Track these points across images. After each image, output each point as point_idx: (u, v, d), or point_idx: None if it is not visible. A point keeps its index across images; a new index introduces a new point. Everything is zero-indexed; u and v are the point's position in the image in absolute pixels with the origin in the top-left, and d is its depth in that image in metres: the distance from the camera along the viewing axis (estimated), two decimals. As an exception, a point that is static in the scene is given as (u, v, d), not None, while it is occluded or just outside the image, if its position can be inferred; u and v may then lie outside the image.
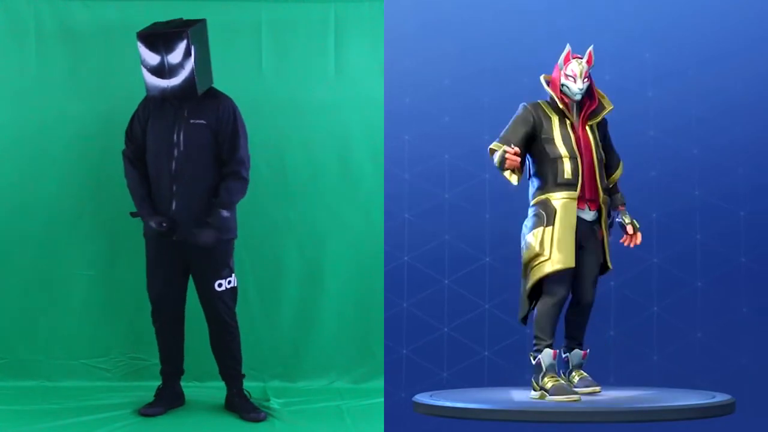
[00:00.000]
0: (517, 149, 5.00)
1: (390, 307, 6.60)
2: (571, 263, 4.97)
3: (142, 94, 5.94)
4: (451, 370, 6.58)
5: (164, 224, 5.83)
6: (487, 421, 4.88)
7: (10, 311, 6.47)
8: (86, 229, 6.47)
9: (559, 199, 5.04)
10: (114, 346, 6.55)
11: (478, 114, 6.76)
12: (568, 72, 5.11)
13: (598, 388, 5.14)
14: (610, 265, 5.17)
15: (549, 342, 5.03)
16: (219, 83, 5.97)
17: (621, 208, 5.27)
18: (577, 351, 5.21)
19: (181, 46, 5.80)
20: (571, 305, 5.17)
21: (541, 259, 5.01)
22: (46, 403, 6.16)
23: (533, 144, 5.11)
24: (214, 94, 5.96)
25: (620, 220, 5.24)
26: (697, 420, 4.86)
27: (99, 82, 6.42)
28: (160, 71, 5.81)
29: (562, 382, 5.03)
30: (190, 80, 5.82)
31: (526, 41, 6.70)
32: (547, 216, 5.03)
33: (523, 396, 5.17)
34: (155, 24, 5.93)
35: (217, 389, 6.23)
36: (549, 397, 4.95)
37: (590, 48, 5.16)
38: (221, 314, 5.99)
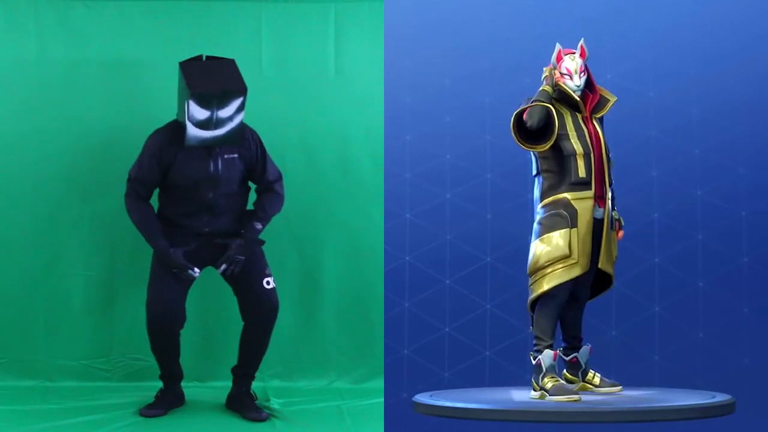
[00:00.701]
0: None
1: (391, 307, 6.60)
2: (588, 267, 4.98)
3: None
4: (452, 370, 6.57)
5: (187, 260, 5.84)
6: (487, 421, 4.88)
7: (10, 311, 6.45)
8: (86, 229, 6.46)
9: (578, 199, 5.00)
10: (114, 347, 6.53)
11: (479, 114, 6.77)
12: (563, 70, 5.08)
13: (619, 387, 5.15)
14: (611, 270, 5.15)
15: (549, 342, 5.03)
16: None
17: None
18: (585, 348, 5.20)
19: (236, 103, 5.71)
20: (567, 303, 5.11)
21: (570, 261, 4.97)
22: (46, 403, 6.15)
23: (541, 137, 5.03)
24: None
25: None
26: (697, 420, 4.86)
27: (99, 83, 6.41)
28: (207, 125, 5.72)
29: (563, 382, 5.03)
30: (235, 132, 5.75)
31: (526, 41, 6.69)
32: (570, 217, 4.98)
33: (523, 396, 5.16)
34: (196, 61, 5.79)
35: (218, 389, 6.23)
36: (549, 397, 4.95)
37: (581, 41, 5.12)
38: (271, 313, 5.98)
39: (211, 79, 5.73)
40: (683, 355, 6.46)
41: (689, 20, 6.72)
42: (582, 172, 4.99)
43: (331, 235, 6.60)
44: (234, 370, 6.12)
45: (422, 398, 5.11)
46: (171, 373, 6.10)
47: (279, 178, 6.03)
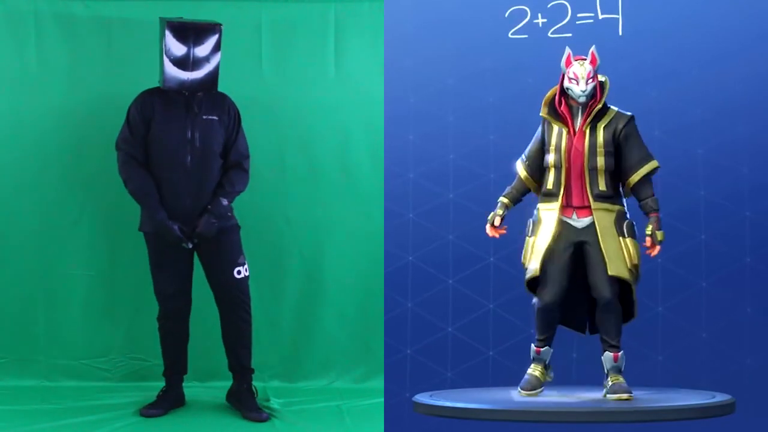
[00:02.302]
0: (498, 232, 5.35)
1: (394, 307, 6.60)
2: (539, 272, 5.12)
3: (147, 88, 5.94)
4: (455, 370, 6.57)
5: (185, 232, 5.84)
6: (487, 421, 4.88)
7: (9, 311, 6.49)
8: (86, 229, 6.49)
9: (542, 210, 5.20)
10: (114, 347, 6.56)
11: (482, 114, 6.75)
12: (570, 75, 5.11)
13: (626, 396, 5.10)
14: (629, 278, 5.18)
15: (538, 338, 5.25)
16: (219, 83, 5.97)
17: (651, 215, 5.24)
18: (607, 354, 5.20)
19: (212, 40, 5.83)
20: (595, 305, 5.20)
21: (526, 266, 5.21)
22: (46, 403, 6.17)
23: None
24: (216, 92, 5.97)
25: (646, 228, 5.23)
26: (697, 420, 4.85)
27: (99, 82, 6.43)
28: (184, 63, 5.80)
29: (534, 375, 5.21)
30: (212, 75, 5.84)
31: (528, 41, 6.68)
32: (533, 226, 5.21)
33: (523, 396, 5.16)
34: (176, 18, 5.91)
35: (218, 389, 6.25)
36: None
37: (592, 48, 5.15)
38: (241, 302, 6.01)
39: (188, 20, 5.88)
40: (687, 355, 6.43)
41: (690, 20, 6.69)
42: (549, 185, 5.17)
43: (331, 235, 6.62)
44: (230, 368, 6.13)
45: (422, 398, 5.13)
46: (175, 367, 6.11)
47: (248, 156, 6.03)
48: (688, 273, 6.49)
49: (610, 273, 5.09)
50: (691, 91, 6.65)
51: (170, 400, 6.10)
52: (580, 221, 5.14)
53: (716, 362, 6.37)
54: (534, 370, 5.25)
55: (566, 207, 5.14)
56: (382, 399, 6.33)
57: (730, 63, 6.63)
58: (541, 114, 5.17)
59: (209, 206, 5.87)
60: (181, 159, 5.85)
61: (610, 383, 5.16)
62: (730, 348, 6.40)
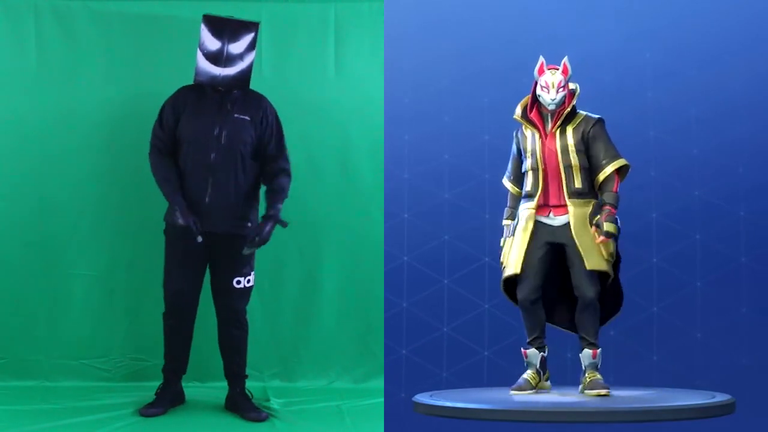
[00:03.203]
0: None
1: (390, 307, 6.60)
2: (517, 270, 5.24)
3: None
4: (450, 370, 6.58)
5: (198, 225, 5.82)
6: (487, 421, 4.88)
7: (9, 311, 6.46)
8: (86, 229, 6.47)
9: (521, 210, 5.35)
10: (114, 347, 6.54)
11: (478, 114, 6.77)
12: (542, 83, 5.26)
13: (604, 391, 5.14)
14: (607, 269, 5.22)
15: (528, 339, 5.36)
16: (261, 88, 6.01)
17: (604, 207, 5.26)
18: (586, 351, 5.24)
19: (248, 38, 5.84)
20: (577, 303, 5.26)
21: (503, 266, 5.35)
22: (46, 403, 6.14)
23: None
24: (253, 92, 5.96)
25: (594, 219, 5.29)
26: (697, 420, 4.86)
27: (99, 83, 6.41)
28: (217, 58, 5.80)
29: (525, 378, 5.27)
30: (245, 73, 5.84)
31: (526, 41, 6.69)
32: (514, 227, 5.35)
33: (522, 396, 5.17)
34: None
35: (217, 389, 6.23)
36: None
37: (565, 59, 5.28)
38: (235, 312, 5.99)
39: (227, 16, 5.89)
40: (681, 355, 6.46)
41: (689, 20, 6.72)
42: (528, 186, 5.34)
43: (331, 235, 6.61)
44: (225, 373, 6.13)
45: (422, 398, 5.12)
46: (175, 365, 6.09)
47: (288, 169, 6.04)
48: (683, 273, 6.52)
49: (588, 268, 5.17)
50: (687, 92, 6.69)
51: (169, 398, 6.07)
52: (556, 219, 5.27)
53: (711, 362, 6.41)
54: (526, 373, 5.33)
55: (543, 206, 5.29)
56: (382, 399, 6.34)
57: (726, 64, 6.67)
58: (514, 117, 5.34)
59: (271, 212, 5.87)
60: (205, 155, 5.84)
61: (588, 380, 5.21)
62: (726, 348, 6.43)
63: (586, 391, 5.18)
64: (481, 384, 6.39)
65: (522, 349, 5.35)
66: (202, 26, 5.79)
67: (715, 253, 6.51)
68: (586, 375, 5.22)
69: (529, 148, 5.31)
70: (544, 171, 5.27)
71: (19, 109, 6.41)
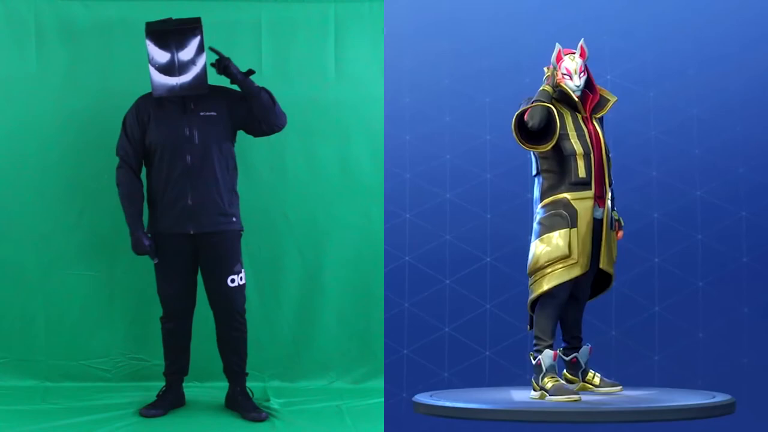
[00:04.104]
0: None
1: (391, 307, 6.60)
2: (586, 269, 4.99)
3: (143, 94, 5.93)
4: (452, 370, 6.57)
5: (154, 250, 5.87)
6: (487, 421, 4.88)
7: (9, 311, 6.47)
8: (86, 229, 6.47)
9: (577, 199, 5.01)
10: (114, 347, 6.54)
11: (479, 114, 6.76)
12: (563, 70, 5.10)
13: (619, 387, 5.15)
14: (611, 270, 5.15)
15: (549, 342, 5.04)
16: (219, 83, 5.97)
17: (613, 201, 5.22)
18: (584, 348, 5.21)
19: (194, 42, 5.79)
20: (567, 303, 5.13)
21: (570, 261, 4.99)
22: (46, 403, 6.16)
23: (542, 137, 5.03)
24: (210, 87, 5.92)
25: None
26: (697, 420, 4.86)
27: (99, 83, 6.41)
28: (170, 69, 5.77)
29: (562, 382, 5.03)
30: (201, 77, 5.79)
31: (526, 41, 6.69)
32: (570, 217, 4.99)
33: (523, 396, 5.16)
34: (154, 22, 5.86)
35: (217, 389, 6.23)
36: (549, 397, 4.95)
37: (581, 41, 5.14)
38: (233, 310, 5.98)
39: (158, 24, 5.82)
40: (683, 355, 6.45)
41: (689, 20, 6.72)
42: (582, 172, 5.01)
43: (331, 235, 6.61)
44: (225, 371, 6.13)
45: (422, 398, 5.11)
46: (176, 368, 6.10)
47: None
48: (685, 273, 6.51)
49: (600, 266, 5.08)
50: (688, 92, 6.68)
51: (170, 400, 6.09)
52: (599, 211, 5.07)
53: (713, 362, 6.40)
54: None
55: (597, 198, 5.05)
56: (382, 399, 6.34)
57: (727, 64, 6.66)
58: (552, 99, 5.04)
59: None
60: (181, 158, 5.84)
61: (598, 379, 5.20)
62: (727, 348, 6.42)
63: (604, 389, 5.16)
64: (483, 384, 6.39)
65: (570, 356, 5.18)
66: (147, 41, 5.75)
67: (716, 253, 6.50)
68: (591, 373, 5.22)
69: (573, 131, 5.04)
70: (594, 157, 5.03)
71: (19, 110, 6.42)
